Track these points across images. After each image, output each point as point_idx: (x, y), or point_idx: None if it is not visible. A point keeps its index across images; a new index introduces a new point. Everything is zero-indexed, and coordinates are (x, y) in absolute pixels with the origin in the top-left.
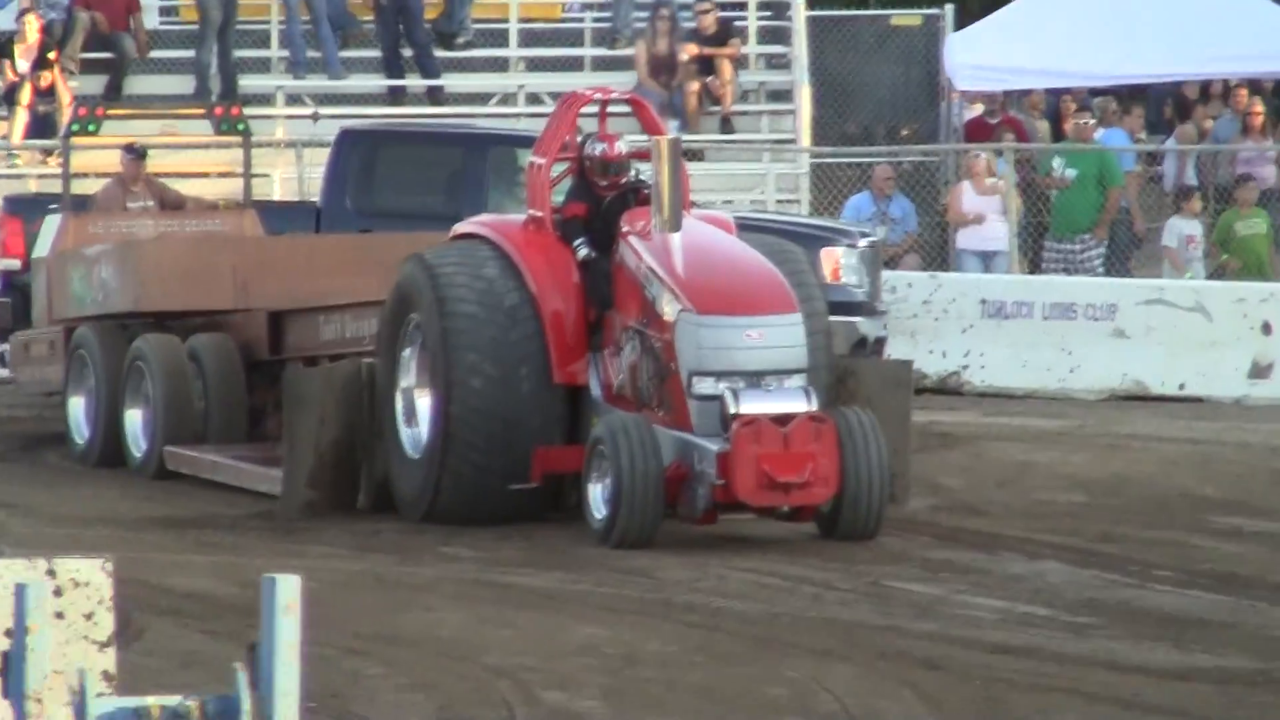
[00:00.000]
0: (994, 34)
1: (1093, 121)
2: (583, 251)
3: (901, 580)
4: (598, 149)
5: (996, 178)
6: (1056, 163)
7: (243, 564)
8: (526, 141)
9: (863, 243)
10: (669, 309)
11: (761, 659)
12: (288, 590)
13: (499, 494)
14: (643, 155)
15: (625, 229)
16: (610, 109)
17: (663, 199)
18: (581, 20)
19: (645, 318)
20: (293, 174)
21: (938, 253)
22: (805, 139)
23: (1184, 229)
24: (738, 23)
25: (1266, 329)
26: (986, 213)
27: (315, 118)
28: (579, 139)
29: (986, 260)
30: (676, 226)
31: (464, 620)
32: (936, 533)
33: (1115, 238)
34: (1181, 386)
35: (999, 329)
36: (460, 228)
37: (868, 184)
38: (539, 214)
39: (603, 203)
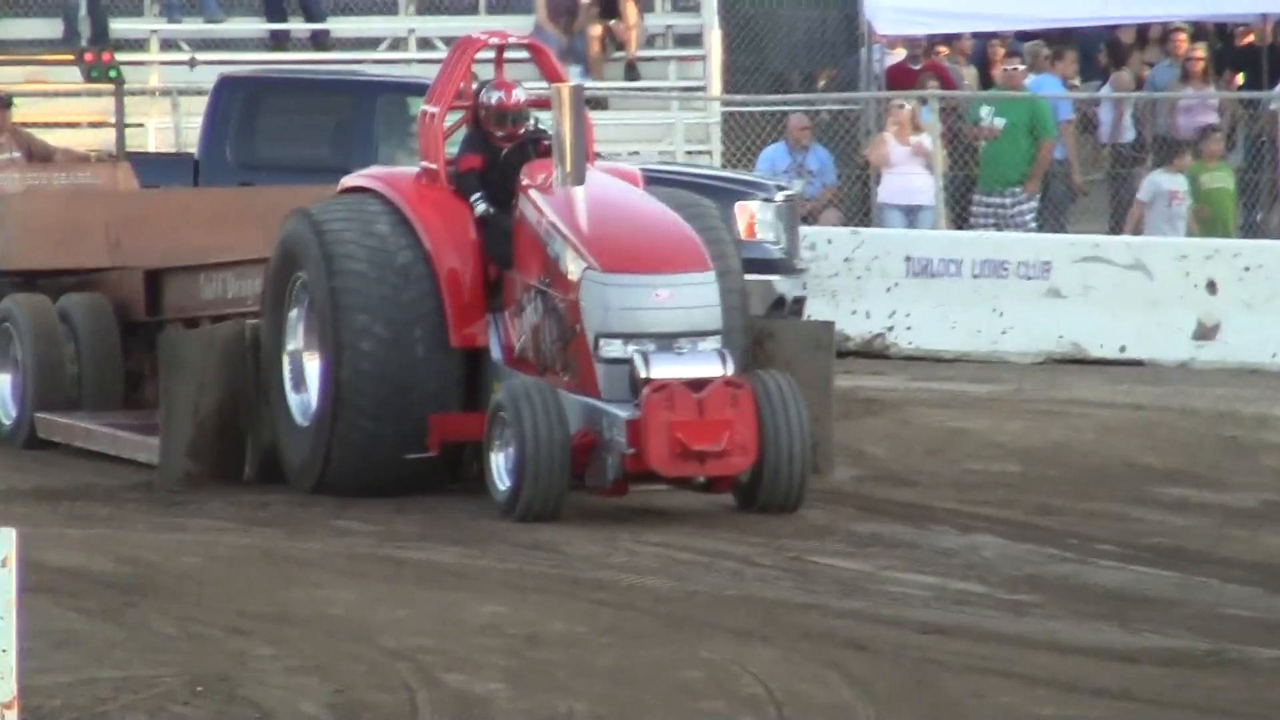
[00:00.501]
0: None
1: (1022, 68)
2: (480, 207)
3: (825, 555)
4: (494, 97)
5: (921, 129)
6: (984, 111)
7: (120, 538)
8: (418, 89)
9: (779, 196)
10: (573, 267)
11: (676, 640)
12: (4, 544)
13: (393, 464)
14: (542, 104)
15: (525, 182)
16: (508, 55)
17: (564, 150)
18: None
19: (548, 276)
20: (168, 124)
21: (859, 207)
22: (716, 86)
23: (1166, 184)
24: None
25: (1212, 287)
26: (910, 164)
27: (192, 64)
28: (474, 87)
29: (911, 215)
30: (580, 180)
31: (357, 598)
32: (862, 505)
33: (1049, 191)
34: (1122, 349)
35: (926, 288)
36: (348, 181)
37: (783, 134)
38: (432, 166)
39: (500, 154)
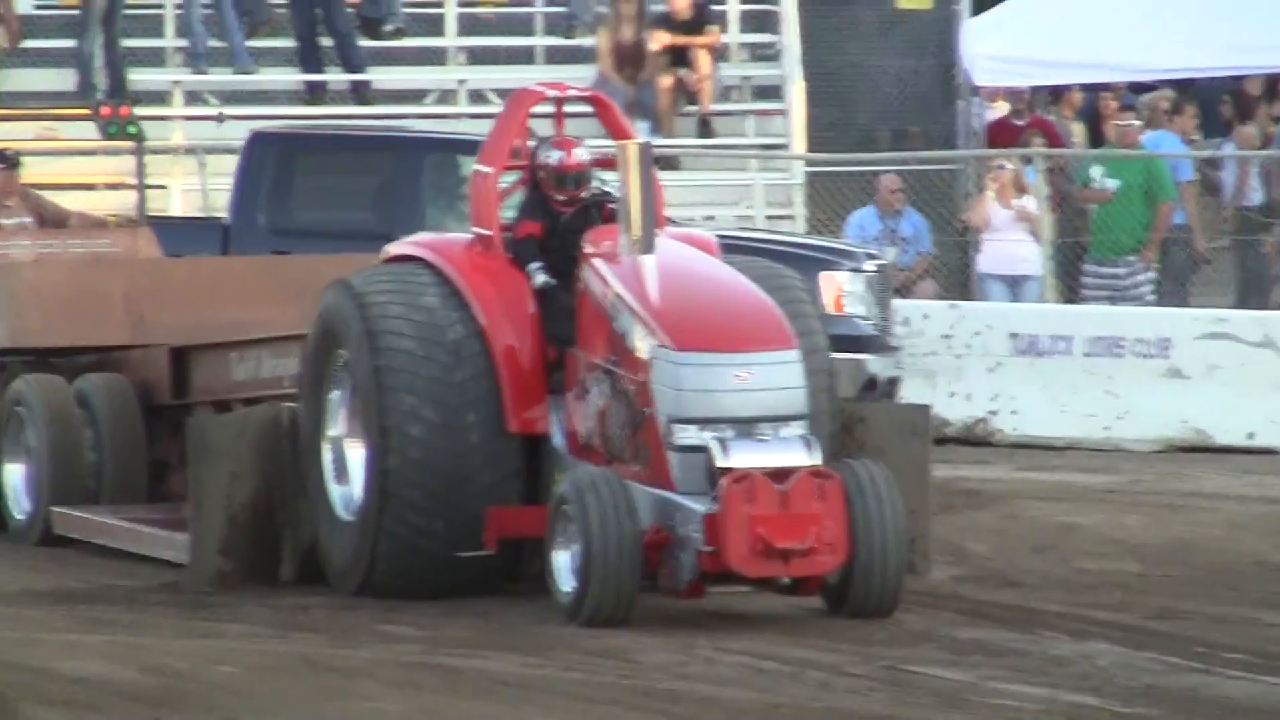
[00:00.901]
0: (1019, 19)
1: (1138, 123)
2: (540, 278)
3: (923, 664)
4: (553, 156)
5: (1026, 190)
6: (1095, 171)
7: (144, 645)
8: (468, 147)
9: (869, 265)
10: (642, 345)
11: None
12: None
13: (446, 562)
14: (607, 163)
15: (588, 250)
16: (568, 108)
17: (631, 215)
18: (532, 4)
19: (614, 355)
20: (195, 185)
21: (958, 278)
22: (799, 144)
23: None
24: (716, 6)
25: None
26: (1014, 230)
27: (220, 119)
28: (531, 144)
29: (1015, 286)
30: (649, 248)
31: (405, 711)
32: (963, 608)
33: (1168, 260)
34: (1250, 436)
35: (1032, 368)
36: (393, 249)
37: (872, 197)
38: (486, 232)
39: (560, 219)
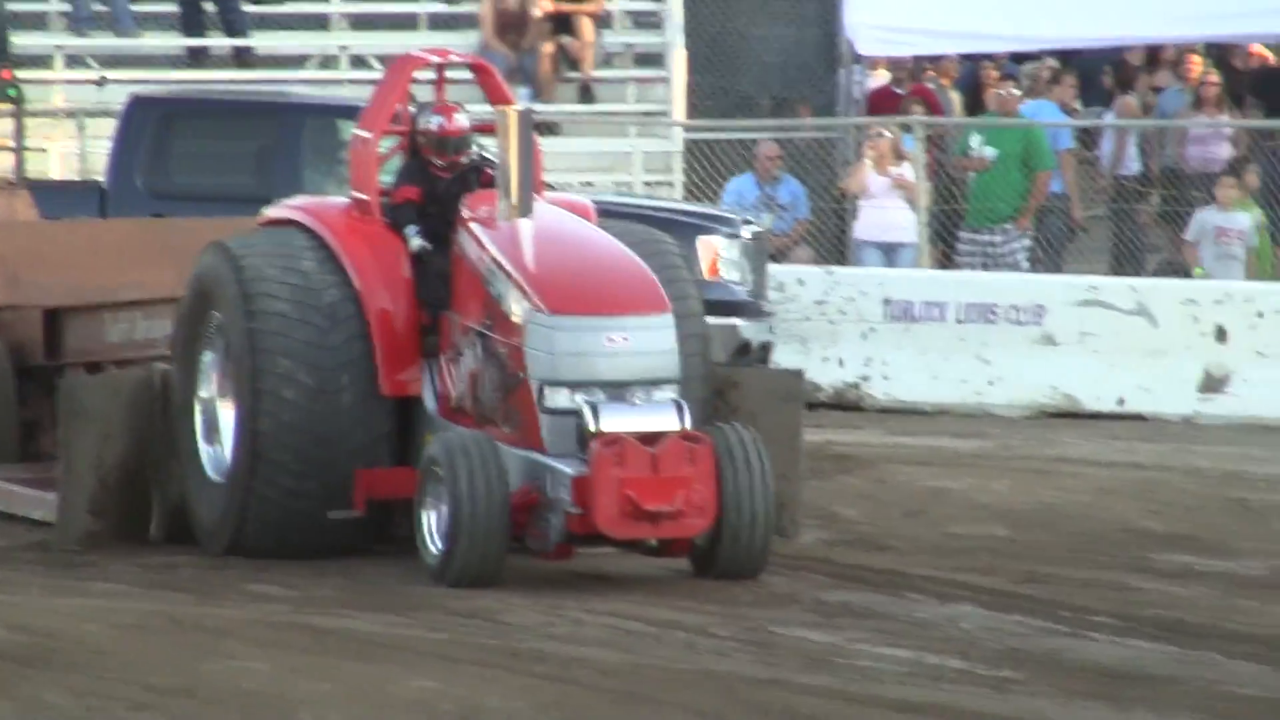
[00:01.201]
0: None
1: (1018, 92)
2: (415, 242)
3: (789, 626)
4: (434, 122)
5: (904, 158)
6: (974, 141)
7: (12, 603)
8: (349, 112)
9: (746, 232)
10: (517, 308)
11: (624, 718)
12: None
13: (316, 523)
14: (487, 129)
15: (465, 215)
16: (449, 74)
17: (510, 180)
18: None
19: (489, 318)
20: (74, 148)
21: (834, 244)
22: (679, 111)
23: (1213, 220)
24: None
25: (1221, 335)
26: (891, 197)
27: (101, 83)
28: (412, 110)
29: (890, 253)
30: (526, 212)
31: (274, 670)
32: (832, 571)
33: (1044, 228)
34: (1121, 402)
35: (905, 334)
36: (271, 212)
37: (751, 164)
38: (364, 197)
39: (439, 185)
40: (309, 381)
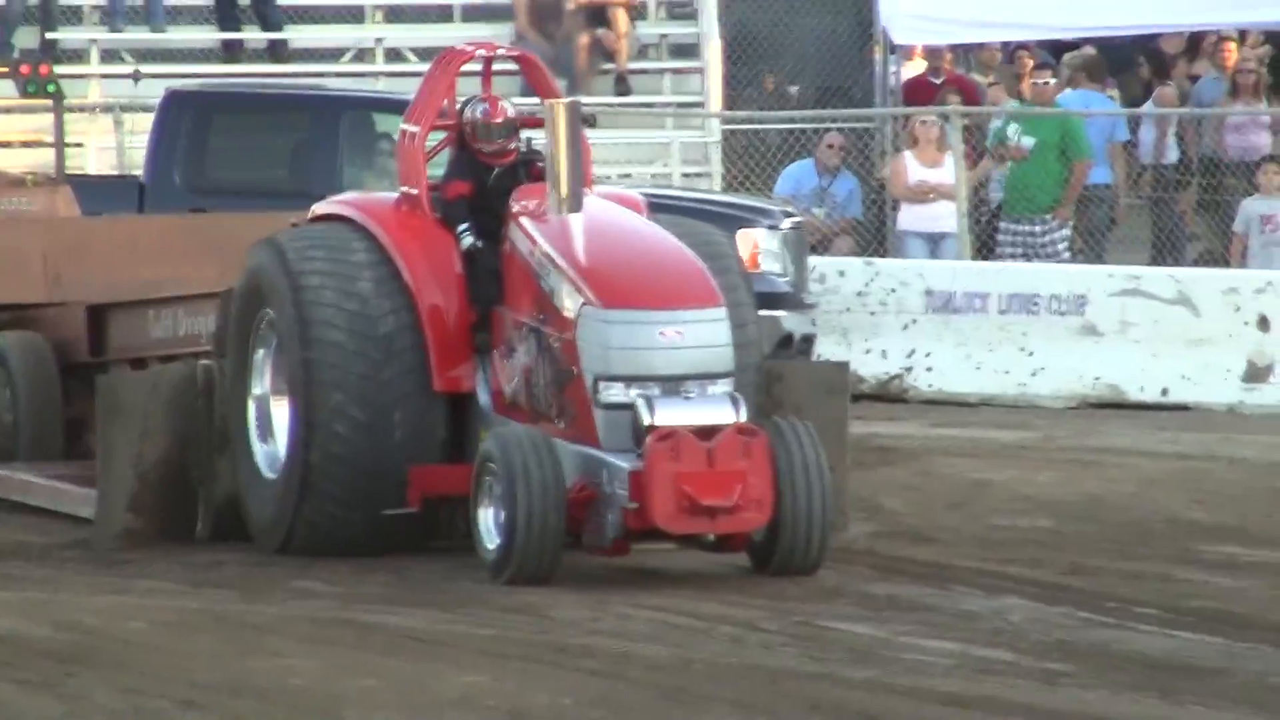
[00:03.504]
0: None
1: (1054, 81)
2: (467, 240)
3: (836, 620)
4: (479, 110)
5: (946, 150)
6: (1011, 130)
7: (57, 601)
8: (385, 105)
9: (786, 223)
10: (569, 303)
11: (671, 713)
12: None
13: (371, 521)
14: (533, 123)
15: (516, 209)
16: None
17: (560, 174)
18: None
19: (541, 313)
20: (110, 143)
21: (874, 235)
22: (715, 102)
23: (1262, 209)
24: None
25: (1264, 324)
26: (937, 188)
27: (136, 77)
28: (458, 106)
29: (932, 244)
30: (577, 206)
31: (320, 668)
32: (877, 564)
33: (1085, 218)
34: (1164, 392)
35: (947, 325)
36: (320, 208)
37: (792, 155)
38: (414, 192)
39: (489, 176)
40: (361, 417)
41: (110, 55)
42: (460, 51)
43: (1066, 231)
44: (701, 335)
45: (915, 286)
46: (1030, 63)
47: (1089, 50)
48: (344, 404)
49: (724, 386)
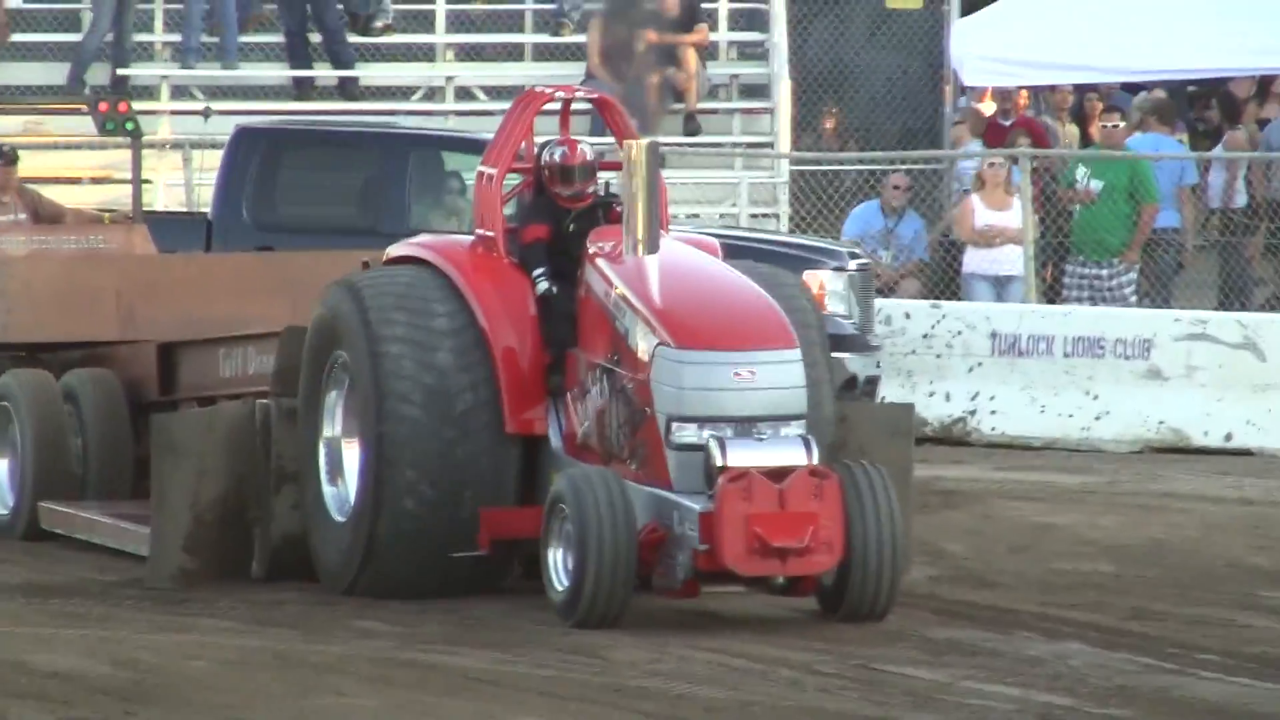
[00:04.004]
0: (1008, 19)
1: (1123, 124)
2: (542, 285)
3: (897, 664)
4: (558, 153)
5: (1013, 194)
6: (1080, 173)
7: (117, 639)
8: (454, 143)
9: (852, 265)
10: (644, 343)
11: None
12: None
13: (440, 563)
14: (612, 166)
15: (592, 250)
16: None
17: (637, 215)
18: (522, 1)
19: (615, 354)
20: (179, 180)
21: (940, 277)
22: (785, 142)
23: None
24: (706, 4)
25: None
26: (1003, 231)
27: (206, 114)
28: (536, 149)
29: (998, 287)
30: (654, 248)
31: (380, 706)
32: (938, 607)
33: (1152, 261)
34: (1228, 437)
35: (1012, 368)
36: (395, 249)
37: (861, 196)
38: (490, 234)
39: (567, 218)
40: (432, 494)
41: (180, 92)
42: (539, 94)
43: (1133, 275)
44: (775, 376)
45: (981, 329)
46: (1099, 105)
47: (1159, 93)
48: (415, 481)
49: (797, 428)
